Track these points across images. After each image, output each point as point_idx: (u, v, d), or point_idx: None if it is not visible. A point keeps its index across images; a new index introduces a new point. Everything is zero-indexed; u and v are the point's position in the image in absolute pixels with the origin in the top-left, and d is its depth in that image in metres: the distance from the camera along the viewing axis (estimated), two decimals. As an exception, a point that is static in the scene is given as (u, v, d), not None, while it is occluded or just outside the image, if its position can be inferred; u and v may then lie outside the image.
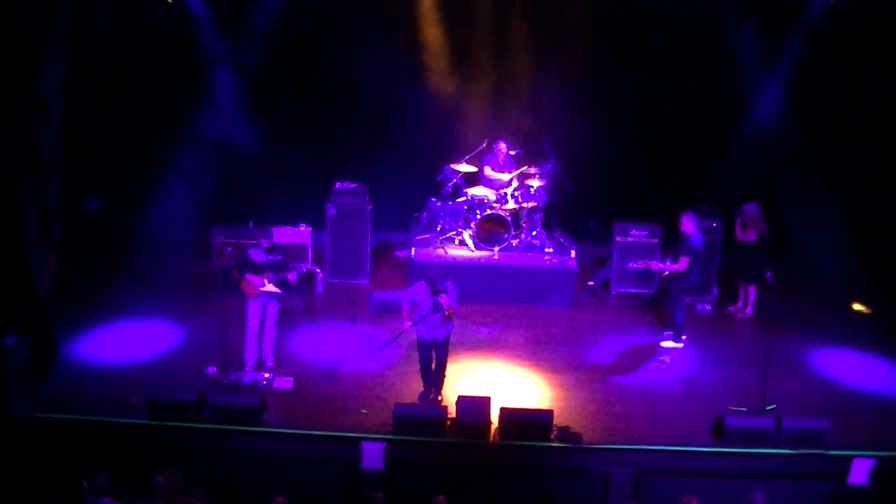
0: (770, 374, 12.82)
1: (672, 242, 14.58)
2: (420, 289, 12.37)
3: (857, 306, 15.98)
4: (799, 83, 16.54)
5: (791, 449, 11.96)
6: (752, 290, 15.54)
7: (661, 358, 14.22)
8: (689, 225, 14.00)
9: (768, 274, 13.21)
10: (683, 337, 14.47)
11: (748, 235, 15.20)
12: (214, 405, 12.09)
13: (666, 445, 12.00)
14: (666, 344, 14.44)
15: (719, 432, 12.16)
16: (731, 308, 15.76)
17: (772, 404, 12.77)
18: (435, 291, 12.14)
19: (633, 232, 16.14)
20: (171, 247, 16.04)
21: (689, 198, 15.97)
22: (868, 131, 16.42)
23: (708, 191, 16.54)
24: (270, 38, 16.46)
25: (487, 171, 16.55)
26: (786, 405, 12.84)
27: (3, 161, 12.04)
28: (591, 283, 16.40)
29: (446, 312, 12.13)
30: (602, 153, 16.87)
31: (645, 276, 16.04)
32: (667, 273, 14.10)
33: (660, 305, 15.24)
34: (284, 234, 15.90)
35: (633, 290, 16.23)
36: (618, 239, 16.18)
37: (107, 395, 12.46)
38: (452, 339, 12.96)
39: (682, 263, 13.93)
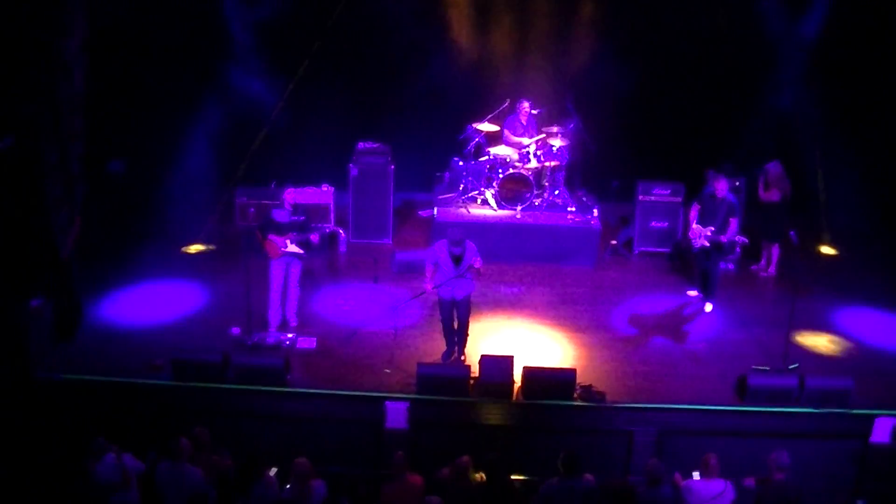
0: (793, 334, 12.75)
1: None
2: (441, 248, 12.34)
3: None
4: (824, 40, 16.32)
5: (814, 408, 11.93)
6: (775, 250, 15.45)
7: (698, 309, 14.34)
8: (724, 187, 13.88)
9: (792, 233, 13.08)
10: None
11: (771, 195, 15.08)
12: (239, 366, 12.12)
13: (689, 405, 12.00)
14: (708, 307, 14.44)
15: (743, 392, 12.13)
16: (754, 267, 15.67)
17: (794, 364, 12.70)
18: (453, 254, 12.12)
19: (656, 191, 16.06)
20: (194, 208, 16.06)
21: (713, 157, 15.97)
22: (891, 89, 16.16)
23: (731, 150, 16.45)
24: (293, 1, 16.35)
25: (508, 134, 16.48)
26: (809, 364, 12.80)
27: (26, 124, 12.05)
28: (614, 242, 16.35)
29: (478, 271, 12.17)
30: (625, 112, 16.76)
31: (669, 234, 15.93)
32: (708, 236, 13.94)
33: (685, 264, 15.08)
34: (307, 194, 15.89)
35: (655, 250, 16.14)
36: (641, 198, 16.11)
37: (132, 357, 12.51)
38: (475, 299, 12.94)
39: (735, 226, 13.91)
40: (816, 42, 16.41)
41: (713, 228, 13.81)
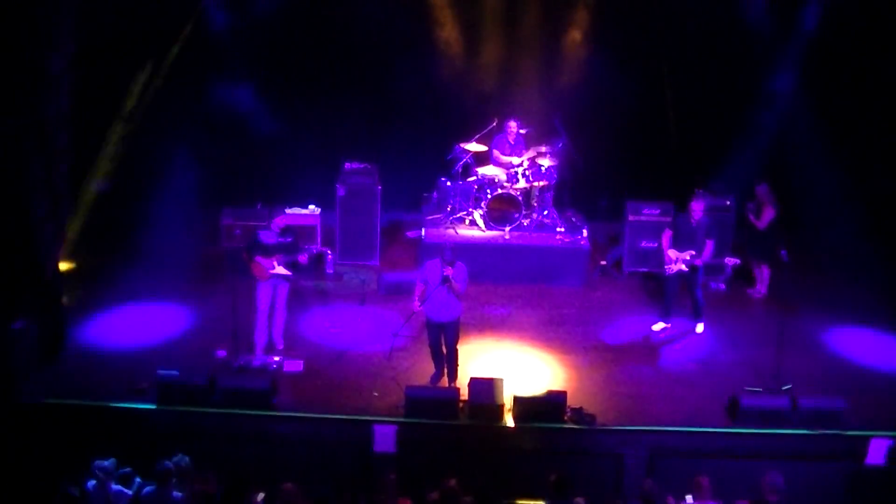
0: (785, 354, 12.72)
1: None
2: (431, 267, 12.31)
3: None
4: (814, 58, 16.37)
5: (807, 429, 11.88)
6: (765, 270, 15.40)
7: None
8: (700, 209, 13.83)
9: (783, 252, 13.06)
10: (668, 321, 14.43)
11: (766, 214, 15.05)
12: (225, 389, 12.07)
13: (680, 426, 11.97)
14: (699, 328, 14.35)
15: (734, 413, 12.09)
16: (750, 291, 15.61)
17: (787, 384, 12.68)
18: (444, 265, 12.11)
19: (646, 210, 16.02)
20: (179, 229, 15.97)
21: (701, 175, 15.91)
22: (881, 107, 16.21)
23: (719, 169, 16.44)
24: (279, 17, 16.30)
25: (497, 154, 16.47)
26: (801, 385, 12.74)
27: (12, 141, 11.94)
28: (603, 262, 16.33)
29: (451, 284, 12.06)
30: (614, 131, 16.72)
31: (659, 254, 15.88)
32: (687, 260, 13.85)
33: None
34: (294, 216, 15.82)
35: (645, 270, 16.08)
36: (630, 217, 16.06)
37: (116, 380, 12.42)
38: (463, 320, 12.87)
39: (711, 248, 13.84)
40: (807, 55, 16.45)
41: (693, 252, 13.74)
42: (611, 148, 16.86)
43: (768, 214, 15.05)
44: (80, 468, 10.39)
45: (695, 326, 14.35)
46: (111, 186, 15.69)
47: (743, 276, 15.73)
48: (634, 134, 16.95)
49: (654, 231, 15.66)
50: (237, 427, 11.90)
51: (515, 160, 16.28)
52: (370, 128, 16.91)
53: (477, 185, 16.21)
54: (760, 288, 15.51)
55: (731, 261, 13.97)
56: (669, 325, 14.34)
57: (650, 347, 13.96)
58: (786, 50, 16.54)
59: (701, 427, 11.98)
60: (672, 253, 13.87)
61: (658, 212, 15.94)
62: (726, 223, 15.62)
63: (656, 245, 14.53)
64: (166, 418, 11.89)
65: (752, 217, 15.21)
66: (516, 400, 11.99)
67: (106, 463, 10.41)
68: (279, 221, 13.16)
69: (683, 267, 13.79)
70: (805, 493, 11.19)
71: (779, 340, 12.63)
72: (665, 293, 14.29)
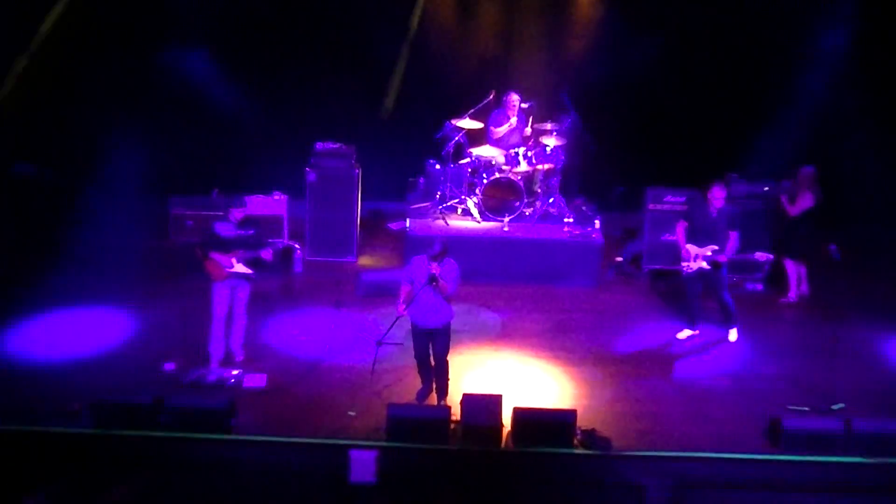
0: (836, 367, 12.68)
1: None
2: (417, 264, 12.23)
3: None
4: (857, 41, 16.47)
5: (863, 457, 11.74)
6: (802, 270, 15.41)
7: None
8: (722, 197, 13.80)
9: (832, 247, 12.92)
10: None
11: (803, 202, 14.96)
12: (174, 409, 11.93)
13: (711, 452, 11.82)
14: (732, 335, 14.23)
15: (776, 437, 11.96)
16: (784, 300, 15.53)
17: (839, 403, 12.58)
18: (432, 261, 12.08)
19: (669, 198, 16.05)
20: (119, 221, 15.91)
21: (732, 159, 16.06)
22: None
23: (755, 150, 16.52)
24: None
25: (495, 132, 16.50)
26: (855, 404, 12.64)
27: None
28: (619, 258, 16.39)
29: (438, 283, 12.01)
30: (632, 106, 16.90)
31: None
32: (709, 256, 13.76)
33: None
34: (256, 205, 15.72)
35: (668, 268, 15.96)
36: (650, 207, 16.13)
37: (44, 401, 12.21)
38: (456, 327, 12.83)
39: (735, 241, 13.75)
40: (850, 36, 16.55)
41: (715, 247, 13.65)
42: (628, 125, 16.90)
43: (805, 202, 15.01)
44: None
45: (726, 334, 14.29)
46: (37, 170, 15.67)
47: (776, 284, 15.76)
48: (655, 109, 17.00)
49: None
50: (188, 454, 11.75)
51: (515, 138, 16.30)
52: (346, 101, 16.95)
53: (471, 169, 16.24)
54: (797, 289, 15.47)
55: (761, 256, 13.77)
56: (697, 333, 14.30)
57: (675, 359, 13.92)
58: (828, 24, 16.67)
59: (736, 453, 11.81)
60: (690, 248, 13.84)
61: (683, 200, 15.88)
62: (763, 212, 15.65)
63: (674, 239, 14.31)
64: (104, 444, 11.74)
65: (784, 201, 15.15)
66: (517, 420, 11.90)
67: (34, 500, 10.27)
68: (239, 211, 13.05)
69: (704, 264, 13.73)
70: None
71: (828, 350, 12.58)
72: (686, 296, 14.26)
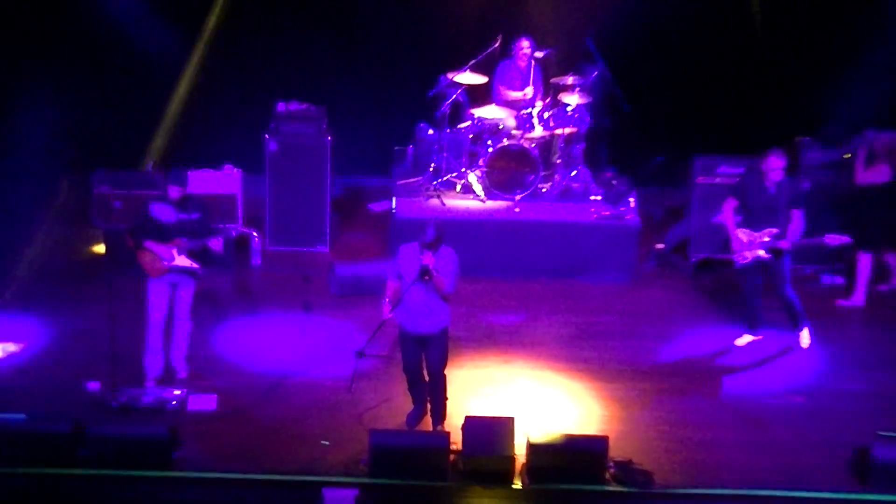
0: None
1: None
2: (407, 254, 12.15)
3: None
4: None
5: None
6: (891, 258, 15.54)
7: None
8: (780, 166, 13.64)
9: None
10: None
11: (877, 172, 15.02)
12: (98, 439, 11.85)
13: (779, 490, 11.76)
14: (804, 337, 14.23)
15: (863, 471, 11.89)
16: (884, 287, 15.67)
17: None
18: (425, 251, 12.03)
19: (722, 170, 16.06)
20: (27, 202, 15.96)
21: (802, 120, 16.12)
22: None
23: (828, 111, 16.53)
24: None
25: (503, 89, 16.59)
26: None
27: None
28: (660, 246, 16.48)
29: (432, 278, 11.95)
30: (674, 55, 17.02)
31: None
32: (766, 243, 13.72)
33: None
34: (203, 181, 15.81)
35: (720, 256, 15.85)
36: (699, 180, 16.15)
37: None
38: (458, 332, 13.00)
39: (801, 221, 13.70)
40: None
41: (774, 230, 13.60)
42: (670, 78, 17.07)
43: (880, 173, 15.06)
44: None
45: (797, 338, 14.24)
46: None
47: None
48: (703, 58, 17.12)
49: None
50: (118, 497, 11.69)
51: (529, 95, 16.37)
52: (315, 51, 17.05)
53: (473, 135, 16.33)
54: (888, 283, 15.54)
55: (833, 240, 13.67)
56: (760, 338, 14.30)
57: (731, 372, 13.92)
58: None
59: (811, 491, 11.76)
60: (742, 234, 13.78)
61: (740, 171, 15.66)
62: (839, 186, 15.67)
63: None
64: (10, 485, 11.65)
65: (858, 167, 15.20)
66: (534, 450, 11.83)
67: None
68: (180, 190, 13.01)
69: (761, 253, 13.68)
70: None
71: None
72: (743, 292, 14.26)
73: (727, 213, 13.90)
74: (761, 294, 14.12)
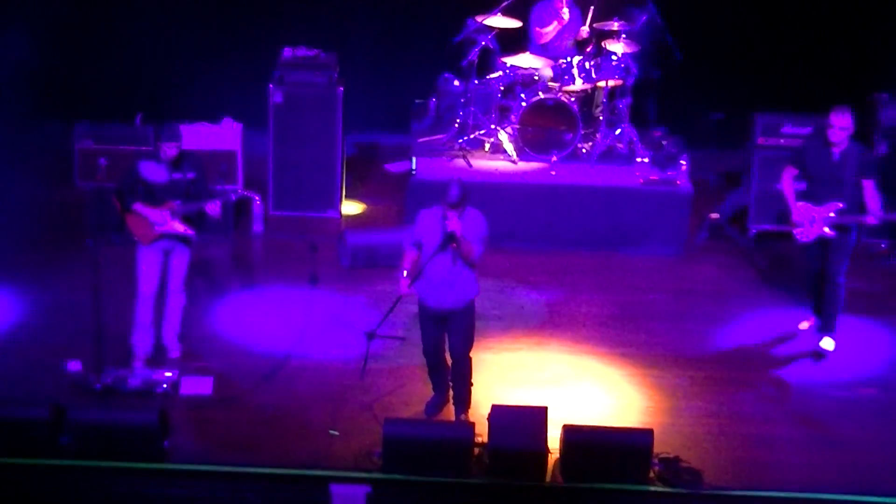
0: None
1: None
2: (428, 220, 12.16)
3: None
4: None
5: None
6: None
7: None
8: (847, 126, 13.36)
9: None
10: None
11: None
12: (80, 425, 11.93)
13: (848, 494, 11.81)
14: (826, 344, 14.14)
15: None
16: None
17: None
18: (448, 230, 11.96)
19: (787, 129, 16.09)
20: (2, 159, 16.01)
21: (876, 75, 16.14)
22: None
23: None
24: None
25: (539, 32, 16.63)
26: None
27: None
28: (714, 215, 16.51)
29: (459, 246, 11.92)
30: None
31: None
32: (832, 219, 13.56)
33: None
34: (199, 137, 15.87)
35: (783, 228, 15.84)
36: (760, 141, 16.17)
37: None
38: (485, 311, 13.12)
39: (874, 192, 13.49)
40: None
41: (841, 205, 13.47)
42: (728, 24, 17.06)
43: None
44: None
45: (818, 338, 14.12)
46: None
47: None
48: (765, 2, 17.03)
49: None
50: (102, 490, 11.77)
51: (568, 44, 16.47)
52: None
53: (504, 87, 16.39)
54: None
55: None
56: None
57: (793, 359, 13.97)
58: None
59: (883, 496, 11.79)
60: (803, 207, 13.62)
61: (808, 131, 15.75)
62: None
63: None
64: None
65: None
66: (569, 443, 11.88)
67: None
68: (173, 146, 13.01)
69: (826, 230, 13.53)
70: None
71: None
72: (806, 272, 14.21)
73: (786, 182, 13.78)
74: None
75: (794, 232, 13.73)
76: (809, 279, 14.17)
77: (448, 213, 11.79)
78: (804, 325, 14.31)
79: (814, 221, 13.51)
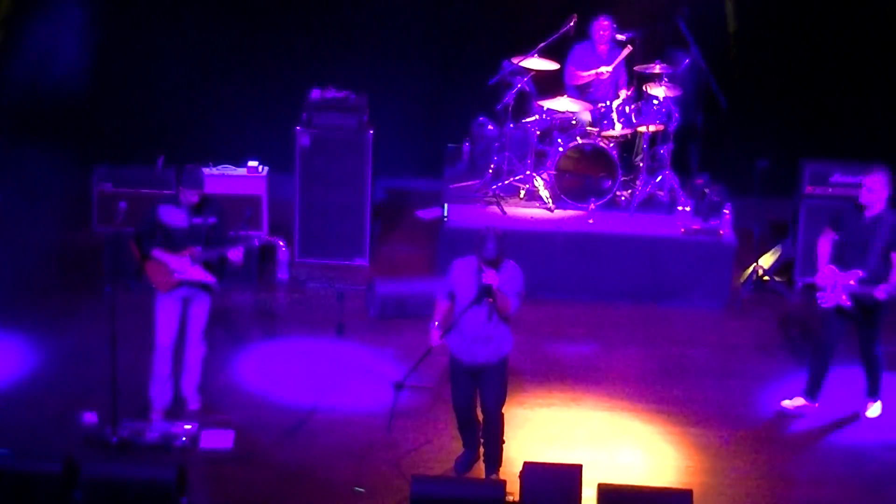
0: None
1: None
2: (462, 270, 12.14)
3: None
4: None
5: None
6: None
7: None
8: (882, 189, 13.21)
9: None
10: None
11: None
12: (94, 480, 11.73)
13: None
14: (872, 412, 14.00)
15: None
16: None
17: None
18: (483, 283, 11.92)
19: (838, 178, 16.12)
20: (19, 202, 16.15)
21: None
22: None
23: None
24: None
25: (576, 75, 16.69)
26: None
27: None
28: (760, 267, 16.36)
29: (496, 299, 11.87)
30: (781, 41, 16.81)
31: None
32: (851, 286, 13.30)
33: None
34: (222, 181, 15.98)
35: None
36: (808, 190, 16.20)
37: None
38: (518, 364, 13.14)
39: None
40: None
41: (860, 274, 13.26)
42: (775, 68, 17.07)
43: None
44: None
45: (865, 406, 13.97)
46: None
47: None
48: (817, 42, 17.17)
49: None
50: None
51: (607, 87, 16.49)
52: (358, 26, 17.28)
53: (540, 131, 16.40)
54: None
55: None
56: (815, 406, 13.89)
57: (847, 422, 13.86)
58: None
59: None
60: (829, 271, 13.39)
61: (861, 180, 15.40)
62: None
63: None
64: None
65: None
66: (606, 502, 11.61)
67: None
68: (194, 192, 13.01)
69: (844, 298, 13.29)
70: None
71: None
72: (821, 338, 13.80)
73: (821, 243, 13.55)
74: (835, 348, 13.65)
75: (818, 296, 13.48)
76: (816, 349, 13.85)
77: (484, 267, 11.79)
78: (787, 404, 13.89)
79: (835, 287, 13.29)
